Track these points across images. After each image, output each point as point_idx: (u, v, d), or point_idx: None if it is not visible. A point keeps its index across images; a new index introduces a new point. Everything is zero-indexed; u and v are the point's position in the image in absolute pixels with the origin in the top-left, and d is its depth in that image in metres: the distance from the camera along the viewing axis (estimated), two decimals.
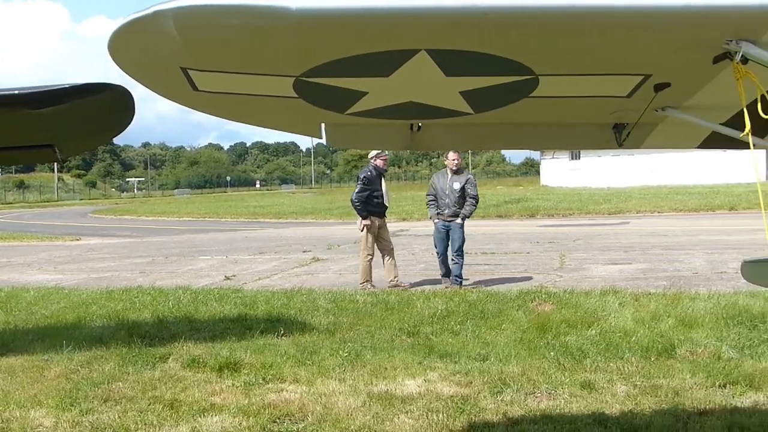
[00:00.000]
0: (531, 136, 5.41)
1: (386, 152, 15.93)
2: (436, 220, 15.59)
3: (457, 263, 15.48)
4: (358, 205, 15.50)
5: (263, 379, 8.47)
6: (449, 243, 15.47)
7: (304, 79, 3.83)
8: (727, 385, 7.69)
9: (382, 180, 15.89)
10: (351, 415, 7.18)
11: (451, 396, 7.63)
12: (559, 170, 76.42)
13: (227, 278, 18.07)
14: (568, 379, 8.00)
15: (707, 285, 14.18)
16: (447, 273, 15.60)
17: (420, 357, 9.12)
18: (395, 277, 15.47)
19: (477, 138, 5.53)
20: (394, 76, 3.82)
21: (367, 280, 15.42)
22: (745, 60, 3.56)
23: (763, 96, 3.66)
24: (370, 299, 13.24)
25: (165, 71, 3.75)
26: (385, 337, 10.32)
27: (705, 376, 7.97)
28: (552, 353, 9.01)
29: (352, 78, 3.88)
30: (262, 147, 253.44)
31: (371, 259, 15.58)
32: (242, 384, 8.32)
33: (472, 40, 3.41)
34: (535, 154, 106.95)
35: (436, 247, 15.74)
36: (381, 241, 15.72)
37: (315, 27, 3.19)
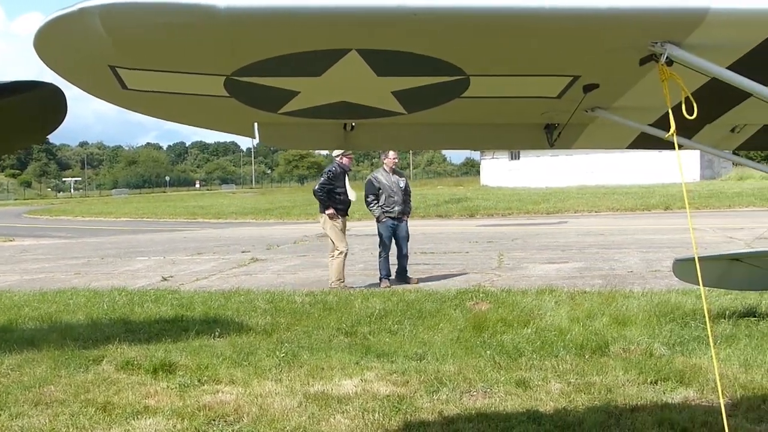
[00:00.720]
0: (464, 136, 5.44)
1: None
2: (384, 219, 15.64)
3: (406, 260, 15.86)
4: (321, 196, 15.42)
5: (198, 380, 8.39)
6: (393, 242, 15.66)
7: (234, 78, 3.80)
8: (659, 382, 7.82)
9: (347, 179, 15.91)
10: (287, 415, 7.15)
11: (388, 396, 7.64)
12: (498, 170, 77.06)
13: (164, 279, 17.87)
14: (503, 378, 8.06)
15: (641, 283, 14.43)
16: (389, 273, 15.67)
17: (357, 357, 9.12)
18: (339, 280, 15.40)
19: (411, 138, 5.55)
20: (326, 75, 3.81)
21: (339, 279, 15.31)
22: (670, 62, 3.62)
23: (687, 97, 3.73)
24: (308, 299, 13.20)
25: (93, 69, 3.68)
26: (323, 338, 10.30)
27: (637, 372, 8.09)
28: (488, 352, 9.07)
29: (283, 77, 3.86)
30: (202, 146, 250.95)
31: (344, 256, 15.49)
32: (177, 386, 8.22)
33: (402, 41, 3.42)
34: (475, 154, 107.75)
35: (383, 246, 15.78)
36: None
37: (244, 26, 3.16)
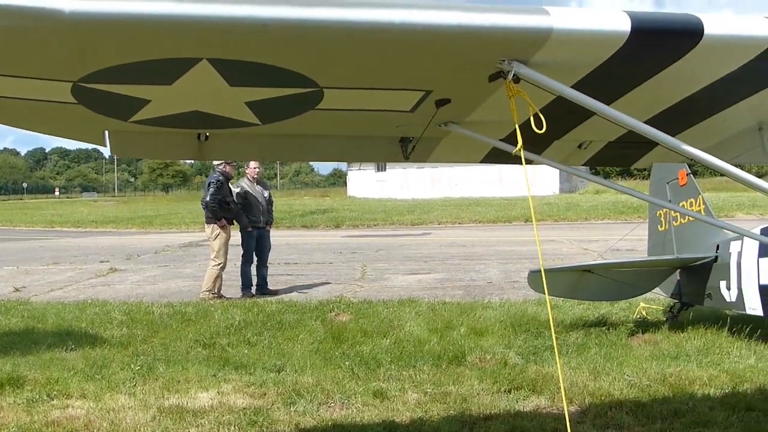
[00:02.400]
0: (320, 148, 5.45)
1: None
2: (250, 229, 15.51)
3: (266, 270, 15.82)
4: (214, 207, 15.10)
5: (48, 395, 8.08)
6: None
7: (82, 84, 3.69)
8: (512, 390, 8.02)
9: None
10: (139, 430, 6.98)
11: (244, 408, 7.55)
12: (365, 181, 77.55)
13: (16, 290, 17.15)
14: (361, 389, 8.10)
15: (500, 294, 14.77)
16: (250, 284, 15.55)
17: (215, 369, 8.99)
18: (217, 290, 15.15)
19: (266, 149, 5.51)
20: (177, 84, 3.75)
21: (209, 290, 14.98)
22: (517, 79, 3.72)
23: (535, 114, 3.83)
24: (166, 311, 12.94)
25: None
26: (180, 350, 10.10)
27: (492, 382, 8.26)
28: (347, 363, 9.10)
29: (133, 85, 3.77)
30: (62, 153, 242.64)
31: (222, 268, 15.21)
32: (24, 401, 7.89)
33: (254, 51, 3.40)
34: (342, 165, 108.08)
35: (246, 256, 15.62)
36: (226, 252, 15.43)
37: (90, 31, 3.07)
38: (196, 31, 3.13)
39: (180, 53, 3.37)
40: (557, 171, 64.42)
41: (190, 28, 3.10)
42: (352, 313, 12.30)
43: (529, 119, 3.86)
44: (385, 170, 76.21)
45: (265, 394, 8.02)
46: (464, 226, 38.28)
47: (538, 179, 62.10)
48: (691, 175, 11.04)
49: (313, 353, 9.70)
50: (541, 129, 3.78)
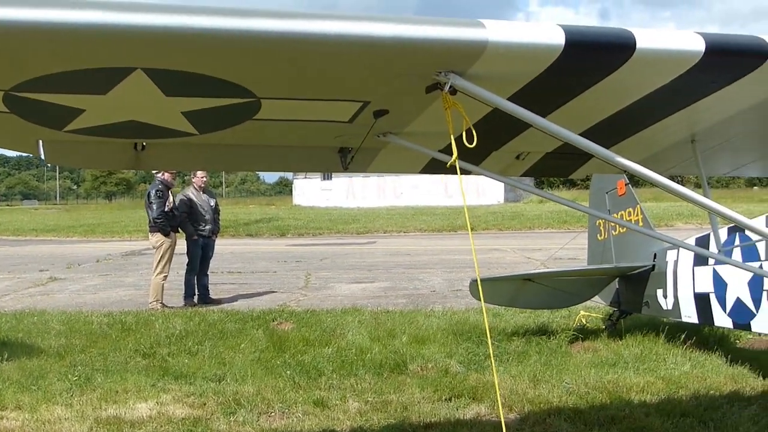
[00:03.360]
0: (259, 158, 5.43)
1: None
2: (195, 237, 15.38)
3: (208, 279, 15.74)
4: (161, 222, 14.91)
5: None
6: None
7: (14, 93, 3.64)
8: (453, 399, 8.06)
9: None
10: None
11: (183, 418, 7.48)
12: (311, 190, 77.45)
13: None
14: (302, 398, 8.08)
15: (443, 302, 14.84)
16: (194, 293, 15.42)
17: (154, 379, 8.89)
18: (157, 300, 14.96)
19: (204, 158, 5.49)
20: (112, 94, 3.71)
21: (157, 300, 14.80)
22: (454, 91, 3.76)
23: (469, 125, 3.87)
24: (106, 320, 12.76)
25: None
26: (119, 360, 9.97)
27: (433, 390, 8.30)
28: (288, 372, 9.07)
29: (66, 94, 3.73)
30: (2, 160, 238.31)
31: (165, 278, 15.05)
32: None
33: (189, 61, 3.38)
34: (288, 174, 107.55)
35: (191, 265, 15.50)
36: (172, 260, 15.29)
37: (21, 40, 3.02)
38: (130, 41, 3.10)
39: (113, 63, 3.34)
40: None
41: (123, 38, 3.07)
42: (294, 322, 12.27)
43: (468, 131, 3.89)
44: (330, 179, 76.15)
45: (205, 404, 7.96)
46: (409, 235, 38.39)
47: (484, 188, 62.54)
48: (630, 186, 11.23)
49: (254, 362, 9.65)
50: (471, 143, 3.82)
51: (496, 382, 4.09)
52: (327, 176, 76.46)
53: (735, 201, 50.04)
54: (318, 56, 3.39)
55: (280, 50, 3.29)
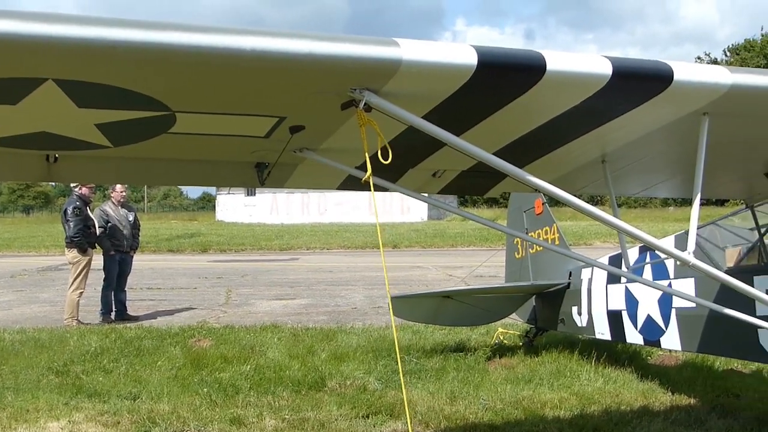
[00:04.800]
0: (175, 172, 5.39)
1: None
2: (113, 253, 15.13)
3: (125, 295, 15.51)
4: (78, 240, 14.61)
5: None
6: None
7: None
8: (370, 416, 8.06)
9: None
10: None
11: None
12: (234, 206, 76.73)
13: None
14: (218, 416, 7.99)
15: (364, 319, 14.84)
16: (111, 309, 15.16)
17: (67, 397, 8.69)
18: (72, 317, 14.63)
19: (119, 172, 5.43)
20: (22, 104, 3.66)
21: (73, 316, 14.46)
22: (369, 108, 3.80)
23: (383, 142, 3.91)
24: (18, 337, 12.45)
25: None
26: (31, 378, 9.71)
27: (350, 407, 8.30)
28: (205, 389, 8.96)
29: None
30: None
31: (81, 294, 14.73)
32: None
33: (103, 73, 3.35)
34: (211, 189, 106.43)
35: (108, 280, 15.22)
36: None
37: None
38: (41, 51, 3.06)
39: (24, 73, 3.30)
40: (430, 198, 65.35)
41: (34, 48, 3.04)
42: (213, 339, 12.14)
43: (383, 148, 3.93)
44: (254, 195, 75.62)
45: (118, 423, 7.82)
46: (332, 252, 38.32)
47: (409, 206, 62.90)
48: (547, 205, 11.42)
49: (171, 380, 9.51)
50: (387, 160, 3.86)
51: (405, 399, 4.11)
52: (251, 192, 75.92)
53: (652, 221, 51.22)
54: (232, 71, 3.40)
55: (193, 64, 3.29)
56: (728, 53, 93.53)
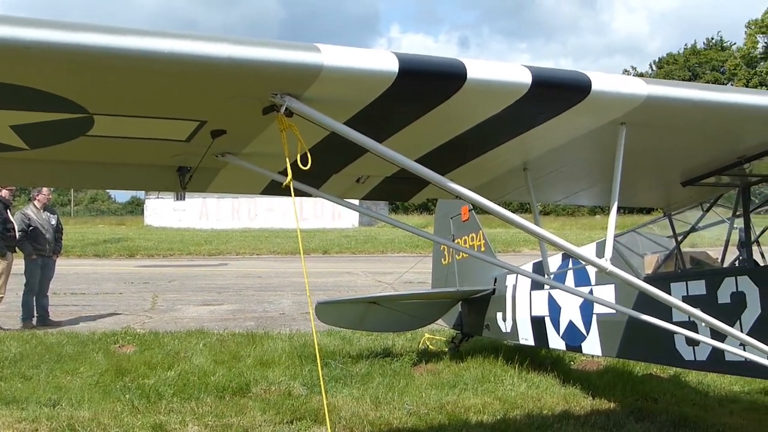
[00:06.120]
0: (94, 175, 5.32)
1: None
2: (34, 257, 14.81)
3: (47, 300, 15.19)
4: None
5: None
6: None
7: None
8: (294, 421, 8.04)
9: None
10: None
11: None
12: (163, 210, 75.67)
13: None
14: (140, 422, 7.88)
15: (291, 325, 14.79)
16: (32, 314, 14.85)
17: None
18: None
19: (36, 174, 5.34)
20: None
21: None
22: (290, 113, 3.80)
23: (303, 147, 3.91)
24: None
25: None
26: None
27: (275, 413, 8.26)
28: (128, 396, 8.84)
29: None
30: None
31: (1, 299, 14.44)
32: None
33: (17, 74, 3.29)
34: (140, 193, 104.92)
35: (29, 285, 14.90)
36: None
37: None
38: None
39: None
40: (357, 203, 65.36)
41: None
42: (137, 345, 11.98)
43: (303, 153, 3.93)
44: (184, 200, 74.66)
45: (36, 430, 7.67)
46: (262, 257, 38.07)
47: (340, 212, 62.79)
48: (473, 212, 11.52)
49: (92, 386, 9.35)
50: (306, 165, 3.86)
51: (325, 404, 4.12)
52: (180, 197, 74.97)
53: (579, 228, 51.98)
54: (150, 74, 3.36)
55: (110, 66, 3.25)
56: (654, 66, 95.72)
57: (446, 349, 11.76)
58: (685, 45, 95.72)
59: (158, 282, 24.32)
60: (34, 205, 15.18)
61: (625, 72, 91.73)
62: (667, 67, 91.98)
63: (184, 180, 5.26)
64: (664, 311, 6.25)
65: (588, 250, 7.42)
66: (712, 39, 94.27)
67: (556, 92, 4.21)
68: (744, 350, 5.75)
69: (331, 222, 62.05)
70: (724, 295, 6.30)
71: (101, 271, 28.78)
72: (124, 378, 9.74)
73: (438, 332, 12.51)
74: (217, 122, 4.19)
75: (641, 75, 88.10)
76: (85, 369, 10.30)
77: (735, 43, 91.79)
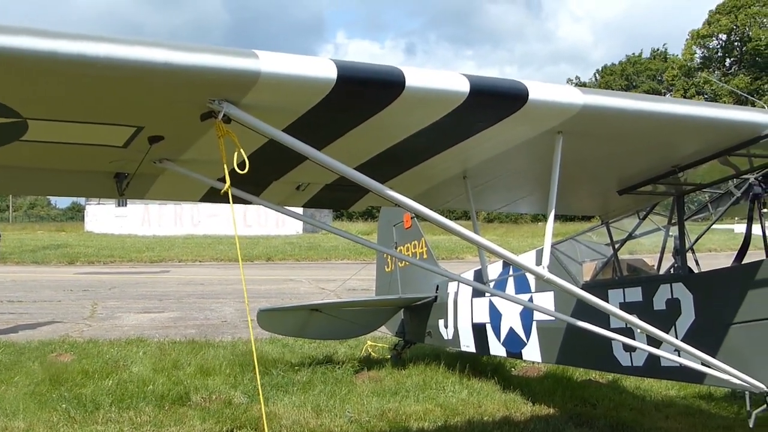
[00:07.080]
0: (29, 181, 5.23)
1: None
2: None
3: None
4: None
5: None
6: None
7: None
8: (234, 430, 7.97)
9: None
10: None
11: None
12: (104, 216, 74.63)
13: None
14: None
15: (234, 333, 14.71)
16: None
17: None
18: None
19: None
20: None
21: None
22: (228, 120, 3.77)
23: (240, 154, 3.87)
24: None
25: None
26: None
27: (214, 422, 8.18)
28: (64, 406, 8.67)
29: None
30: None
31: None
32: None
33: None
34: (81, 199, 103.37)
35: None
36: None
37: None
38: None
39: None
40: (300, 210, 65.20)
41: None
42: (75, 354, 11.79)
43: (242, 160, 3.90)
44: (125, 206, 73.70)
45: None
46: (205, 264, 37.74)
47: (284, 219, 62.50)
48: (416, 219, 11.56)
49: (27, 396, 9.16)
50: (243, 170, 3.83)
51: (263, 413, 4.09)
52: (121, 203, 73.93)
53: (521, 236, 52.38)
54: (87, 79, 3.32)
55: (43, 70, 3.20)
56: (598, 75, 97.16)
57: (389, 357, 11.78)
58: (628, 55, 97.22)
59: (98, 289, 23.95)
60: None
61: (569, 82, 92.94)
62: (606, 77, 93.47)
63: (121, 186, 5.18)
64: (602, 318, 6.34)
65: (528, 258, 7.49)
66: (657, 50, 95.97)
67: (493, 101, 4.25)
68: (679, 356, 5.85)
69: (275, 229, 61.78)
70: (659, 302, 6.41)
71: (40, 278, 28.25)
72: (60, 387, 9.57)
73: (381, 339, 12.51)
74: (154, 128, 4.14)
75: (583, 85, 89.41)
76: (21, 378, 10.09)
77: (677, 54, 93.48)
